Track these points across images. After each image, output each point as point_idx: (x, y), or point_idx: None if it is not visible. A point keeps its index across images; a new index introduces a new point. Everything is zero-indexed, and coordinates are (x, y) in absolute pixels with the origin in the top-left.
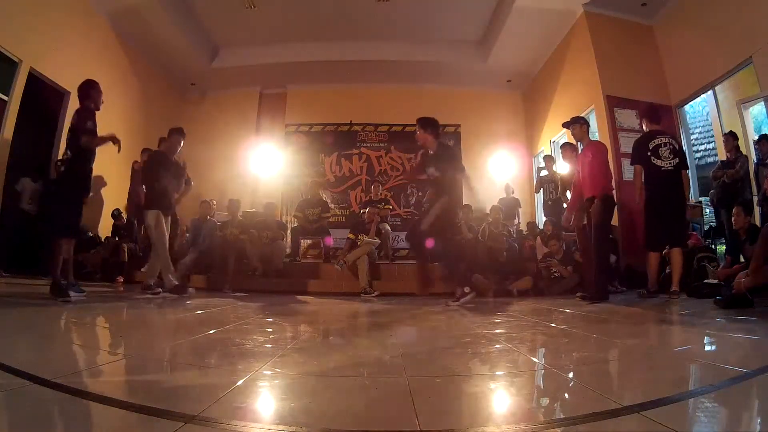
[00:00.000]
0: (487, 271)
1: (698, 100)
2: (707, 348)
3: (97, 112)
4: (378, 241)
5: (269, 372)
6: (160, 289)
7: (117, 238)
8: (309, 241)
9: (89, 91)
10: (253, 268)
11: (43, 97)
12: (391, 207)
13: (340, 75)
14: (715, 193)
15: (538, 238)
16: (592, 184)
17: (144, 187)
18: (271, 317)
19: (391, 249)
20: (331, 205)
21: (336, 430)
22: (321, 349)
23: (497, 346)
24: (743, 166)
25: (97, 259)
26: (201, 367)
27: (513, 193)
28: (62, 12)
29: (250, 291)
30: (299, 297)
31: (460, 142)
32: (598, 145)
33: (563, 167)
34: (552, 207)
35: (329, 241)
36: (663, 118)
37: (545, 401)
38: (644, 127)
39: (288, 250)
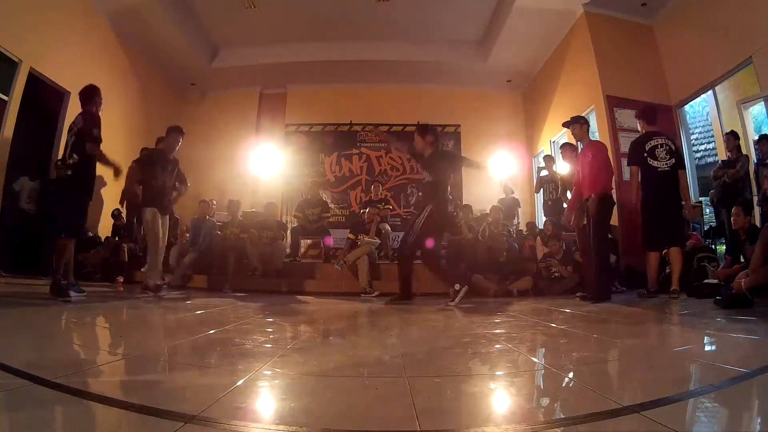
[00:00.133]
0: (487, 271)
1: (698, 100)
2: (707, 348)
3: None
4: (378, 241)
5: (269, 372)
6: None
7: (117, 238)
8: (309, 241)
9: (94, 96)
10: (253, 268)
11: (43, 97)
12: (391, 207)
13: (340, 75)
14: (716, 192)
15: (538, 238)
16: (592, 184)
17: (140, 184)
18: (271, 317)
19: (391, 249)
20: (331, 205)
21: (336, 430)
22: (321, 349)
23: (497, 346)
24: (744, 165)
25: (97, 259)
26: (201, 367)
27: (513, 193)
28: (62, 12)
29: (250, 291)
30: (299, 297)
31: (460, 142)
32: (598, 145)
33: (563, 167)
34: (552, 207)
35: (329, 241)
36: (660, 118)
37: (545, 401)
38: (640, 128)
39: (288, 250)
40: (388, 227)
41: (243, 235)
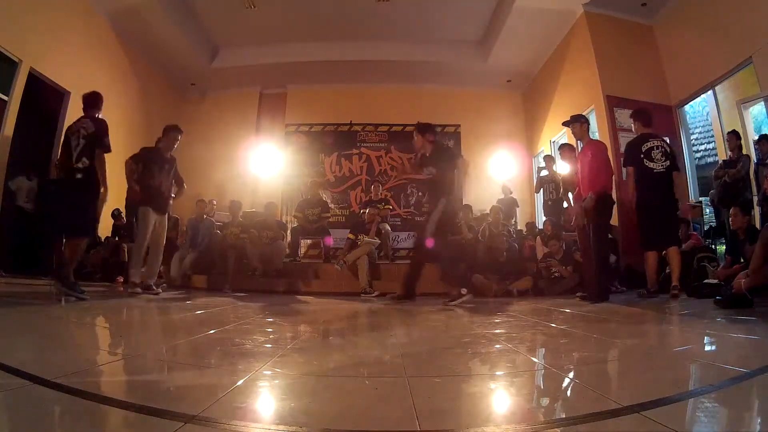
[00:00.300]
0: (487, 271)
1: (698, 100)
2: (707, 348)
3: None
4: (378, 241)
5: (269, 372)
6: (159, 290)
7: (117, 238)
8: (309, 241)
9: (99, 102)
10: (253, 268)
11: (43, 96)
12: (391, 207)
13: (340, 75)
14: (716, 192)
15: (538, 238)
16: (592, 183)
17: (137, 183)
18: (271, 317)
19: (391, 249)
20: (331, 205)
21: (336, 430)
22: (321, 349)
23: (497, 346)
24: (745, 165)
25: (97, 259)
26: (201, 367)
27: (511, 193)
28: (62, 12)
29: (250, 291)
30: (299, 297)
31: (460, 142)
32: (598, 144)
33: (563, 167)
34: (552, 207)
35: (329, 241)
36: (657, 119)
37: (545, 401)
38: (634, 129)
39: (288, 250)
40: (388, 227)
41: (243, 235)
